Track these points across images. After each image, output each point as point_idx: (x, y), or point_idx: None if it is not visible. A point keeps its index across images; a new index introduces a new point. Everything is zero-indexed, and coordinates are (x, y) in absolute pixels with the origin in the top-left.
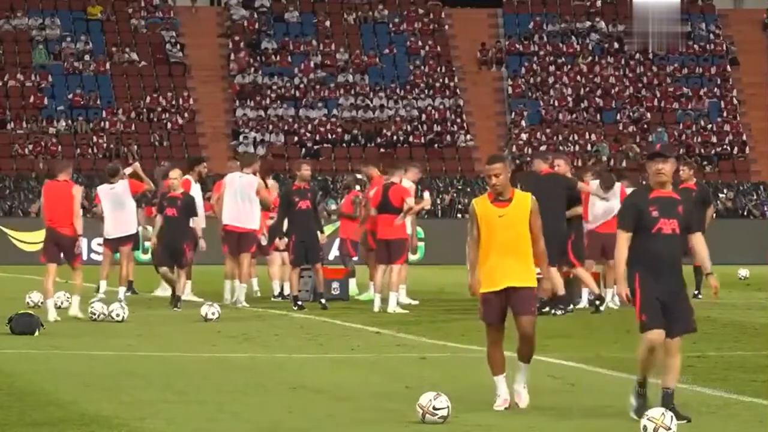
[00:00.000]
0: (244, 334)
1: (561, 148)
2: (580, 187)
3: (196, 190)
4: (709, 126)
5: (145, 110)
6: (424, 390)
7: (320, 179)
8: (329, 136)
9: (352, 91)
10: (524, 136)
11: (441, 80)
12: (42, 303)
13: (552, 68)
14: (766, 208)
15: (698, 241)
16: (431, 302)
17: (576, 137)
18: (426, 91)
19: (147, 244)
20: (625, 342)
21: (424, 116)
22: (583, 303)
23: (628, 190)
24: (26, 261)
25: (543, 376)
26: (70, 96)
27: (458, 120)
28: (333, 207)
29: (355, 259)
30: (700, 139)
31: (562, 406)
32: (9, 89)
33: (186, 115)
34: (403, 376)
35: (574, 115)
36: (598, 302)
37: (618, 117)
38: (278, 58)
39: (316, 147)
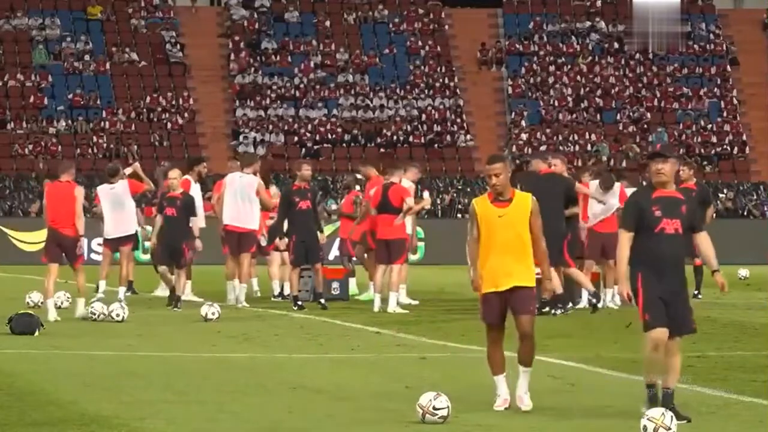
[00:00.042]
0: (244, 334)
1: (561, 148)
2: (578, 188)
3: (195, 190)
4: (709, 126)
5: (145, 110)
6: (424, 390)
7: (320, 179)
8: (329, 136)
9: (352, 91)
10: (524, 136)
11: (441, 80)
12: (42, 303)
13: (552, 68)
14: (766, 208)
15: (704, 240)
16: (431, 302)
17: (576, 137)
18: (426, 91)
19: (147, 244)
20: (625, 342)
21: (424, 116)
22: (584, 303)
23: (628, 191)
24: (26, 261)
25: (543, 376)
26: (70, 96)
27: (458, 120)
28: (333, 207)
29: (354, 259)
30: (700, 139)
31: (562, 406)
32: (9, 89)
33: (186, 115)
34: (403, 376)
35: (574, 115)
36: (594, 300)
37: (618, 117)
38: (278, 58)
39: (316, 147)
